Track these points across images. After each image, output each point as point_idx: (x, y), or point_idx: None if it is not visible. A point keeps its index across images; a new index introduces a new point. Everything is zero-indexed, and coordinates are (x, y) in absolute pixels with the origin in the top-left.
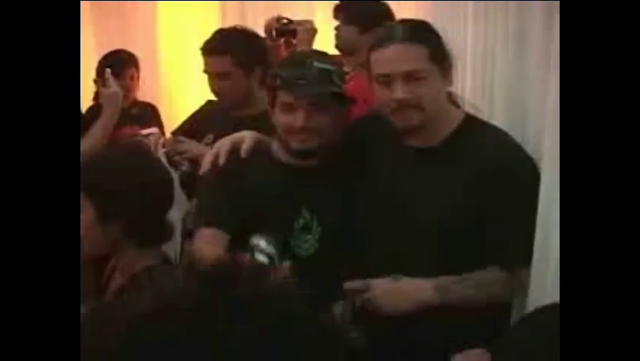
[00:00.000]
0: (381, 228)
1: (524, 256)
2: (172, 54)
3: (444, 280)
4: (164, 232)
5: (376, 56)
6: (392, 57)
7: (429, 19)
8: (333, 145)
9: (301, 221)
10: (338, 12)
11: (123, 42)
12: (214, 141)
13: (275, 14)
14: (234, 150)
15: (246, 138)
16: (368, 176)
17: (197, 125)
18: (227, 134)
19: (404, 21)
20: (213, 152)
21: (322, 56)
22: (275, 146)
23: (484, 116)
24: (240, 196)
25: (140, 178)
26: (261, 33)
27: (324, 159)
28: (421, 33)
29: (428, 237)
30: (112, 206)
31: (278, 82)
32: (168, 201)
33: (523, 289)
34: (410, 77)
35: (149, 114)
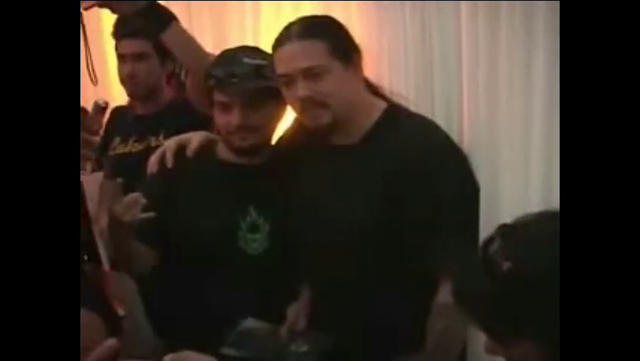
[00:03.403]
0: (304, 231)
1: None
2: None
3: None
4: None
5: (276, 56)
6: (289, 56)
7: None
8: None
9: (248, 219)
10: None
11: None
12: (121, 143)
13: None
14: (180, 150)
15: (193, 138)
16: (298, 177)
17: (105, 132)
18: (129, 134)
19: (302, 18)
20: (159, 153)
21: (252, 51)
22: (220, 145)
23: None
24: (181, 199)
25: None
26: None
27: (271, 156)
28: (319, 28)
29: (343, 240)
30: None
31: (211, 82)
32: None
33: None
34: (309, 75)
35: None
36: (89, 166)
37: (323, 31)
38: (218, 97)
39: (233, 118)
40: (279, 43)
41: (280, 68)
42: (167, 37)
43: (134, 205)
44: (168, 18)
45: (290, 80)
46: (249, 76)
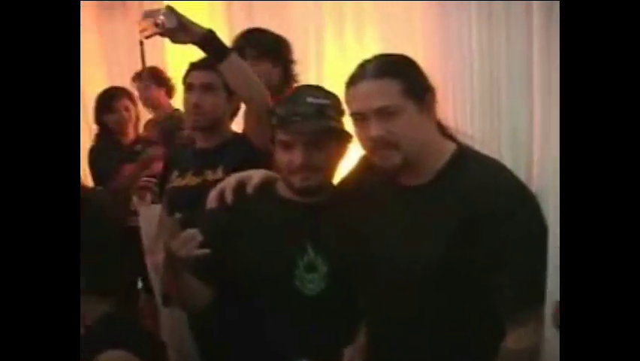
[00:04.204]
0: (366, 272)
1: (531, 306)
2: (178, 54)
3: None
4: (120, 281)
5: (349, 94)
6: (363, 94)
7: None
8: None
9: (305, 259)
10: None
11: (129, 43)
12: (178, 176)
13: (282, 15)
14: (240, 187)
15: (254, 176)
16: (362, 217)
17: (164, 166)
18: (187, 168)
19: (378, 56)
20: (218, 189)
21: (316, 90)
22: (280, 183)
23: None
24: (239, 236)
25: (94, 233)
26: None
27: (333, 195)
28: (394, 67)
29: (408, 282)
30: None
31: (274, 120)
32: (124, 253)
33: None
34: (383, 114)
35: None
36: (148, 197)
37: (398, 70)
38: (281, 136)
39: (296, 157)
40: (353, 81)
41: (353, 106)
42: (225, 68)
43: (191, 241)
44: (227, 49)
45: (362, 118)
46: (311, 115)
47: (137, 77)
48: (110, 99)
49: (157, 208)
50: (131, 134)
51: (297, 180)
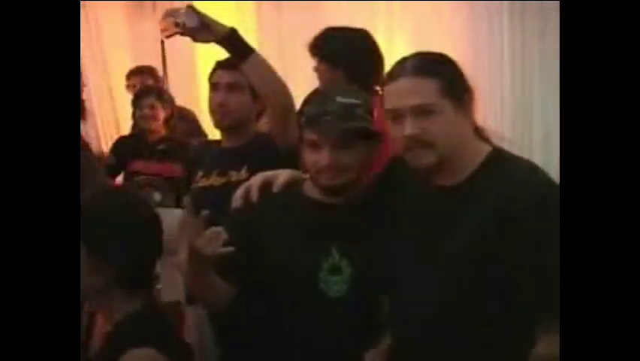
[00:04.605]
0: (401, 271)
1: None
2: (207, 53)
3: None
4: (150, 278)
5: (386, 90)
6: (400, 92)
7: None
8: (368, 181)
9: (330, 261)
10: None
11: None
12: (203, 176)
13: (313, 16)
14: (266, 186)
15: (280, 175)
16: (395, 215)
17: (189, 165)
18: (212, 168)
19: (418, 54)
20: (244, 188)
21: (347, 90)
22: (307, 183)
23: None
24: (264, 235)
25: (129, 228)
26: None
27: (358, 196)
28: (433, 66)
29: (442, 283)
30: (103, 254)
31: (303, 120)
32: (157, 250)
33: None
34: (419, 112)
35: (175, 152)
36: (157, 196)
37: (437, 69)
38: (309, 135)
39: (323, 157)
40: (391, 77)
41: (389, 103)
42: (247, 68)
43: (216, 239)
44: (249, 48)
45: (398, 115)
46: (341, 115)
47: (133, 73)
48: (138, 97)
49: (176, 212)
50: (156, 132)
51: (323, 179)
